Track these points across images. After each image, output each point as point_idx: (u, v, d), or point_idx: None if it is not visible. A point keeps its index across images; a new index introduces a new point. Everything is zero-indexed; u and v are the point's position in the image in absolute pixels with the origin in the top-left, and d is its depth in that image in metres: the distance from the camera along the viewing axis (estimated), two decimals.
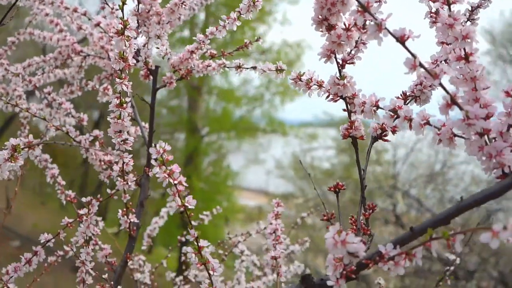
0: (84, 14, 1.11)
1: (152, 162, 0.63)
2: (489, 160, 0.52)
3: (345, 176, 9.00)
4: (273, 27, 11.30)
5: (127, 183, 0.90)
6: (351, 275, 0.55)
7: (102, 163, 1.03)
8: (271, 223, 0.99)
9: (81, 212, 0.91)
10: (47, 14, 1.21)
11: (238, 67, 0.97)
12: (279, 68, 0.85)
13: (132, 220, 0.98)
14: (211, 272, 0.66)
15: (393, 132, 0.69)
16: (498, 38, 9.19)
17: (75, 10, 1.10)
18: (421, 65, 0.51)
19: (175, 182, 0.64)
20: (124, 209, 0.97)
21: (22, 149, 0.66)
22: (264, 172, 12.17)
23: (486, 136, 0.53)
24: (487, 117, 0.54)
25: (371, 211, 0.64)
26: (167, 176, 0.63)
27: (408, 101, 0.69)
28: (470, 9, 0.73)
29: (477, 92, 0.54)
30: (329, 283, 0.56)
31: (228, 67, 0.99)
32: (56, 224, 1.01)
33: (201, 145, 11.36)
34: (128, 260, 1.00)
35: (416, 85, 0.69)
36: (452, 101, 0.52)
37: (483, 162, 0.52)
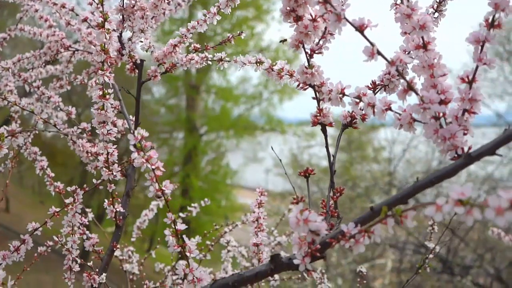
0: (72, 10, 1.13)
1: (131, 148, 0.66)
2: (443, 142, 0.55)
3: (343, 174, 9.04)
4: (271, 25, 11.33)
5: (112, 173, 0.93)
6: (316, 253, 0.58)
7: (89, 154, 1.06)
8: (254, 212, 1.02)
9: (67, 201, 0.94)
10: (36, 10, 1.24)
11: (220, 60, 1.00)
12: (258, 60, 0.88)
13: (118, 209, 1.01)
14: (187, 254, 0.69)
15: (363, 119, 0.71)
16: (495, 36, 9.21)
17: (63, 6, 1.13)
18: (379, 53, 0.54)
19: (153, 167, 0.67)
20: (110, 199, 1.00)
21: (6, 137, 0.69)
22: (263, 170, 12.20)
23: (443, 120, 0.56)
24: (445, 102, 0.57)
25: (339, 194, 0.67)
26: (145, 161, 0.66)
27: (377, 89, 0.72)
28: (438, 0, 0.76)
29: (434, 78, 0.57)
30: (295, 261, 0.59)
31: (210, 61, 1.02)
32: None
33: (200, 144, 11.40)
34: (115, 249, 1.03)
35: (385, 74, 0.72)
36: (408, 87, 0.55)
37: (438, 144, 0.55)
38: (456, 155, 0.54)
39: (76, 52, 1.26)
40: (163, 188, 0.67)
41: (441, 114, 0.55)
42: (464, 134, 0.55)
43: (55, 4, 1.15)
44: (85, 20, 1.06)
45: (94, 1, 1.02)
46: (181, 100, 12.18)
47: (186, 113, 11.57)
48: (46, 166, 1.15)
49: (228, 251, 1.35)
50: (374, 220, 0.53)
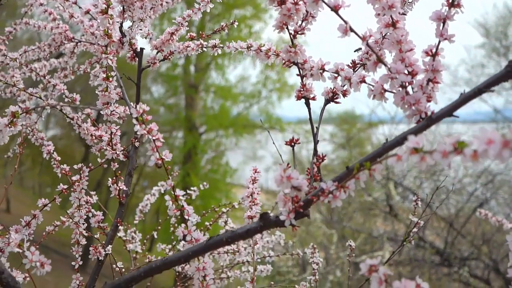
0: (75, 3, 1.21)
1: (133, 121, 0.73)
2: (409, 108, 0.62)
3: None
4: (270, 24, 11.42)
5: (116, 152, 1.00)
6: (299, 209, 0.65)
7: (94, 137, 1.13)
8: (248, 188, 1.09)
9: (74, 178, 1.01)
10: (41, 4, 1.31)
11: (214, 46, 1.07)
12: (249, 45, 0.95)
13: (121, 187, 1.08)
14: (186, 217, 0.76)
15: (344, 95, 0.79)
16: (492, 31, 9.30)
17: None
18: (351, 30, 0.62)
19: (154, 138, 0.74)
20: (114, 178, 1.08)
21: (20, 114, 0.76)
22: (262, 168, 12.25)
23: (410, 89, 0.64)
24: (412, 74, 0.64)
25: (321, 160, 0.75)
26: (146, 133, 0.73)
27: (357, 68, 0.79)
28: None
29: (403, 53, 0.65)
30: (281, 217, 0.66)
31: (205, 47, 1.09)
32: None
33: (199, 143, 11.47)
34: (119, 225, 1.10)
35: (363, 54, 0.79)
36: (378, 60, 0.62)
37: (405, 110, 0.62)
38: (420, 119, 0.61)
39: (79, 43, 1.33)
40: (163, 157, 0.75)
41: (407, 83, 0.62)
42: (428, 101, 0.62)
43: None
44: (87, 12, 1.13)
45: None
46: (180, 100, 12.25)
47: (185, 112, 11.64)
48: (52, 150, 1.22)
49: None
50: (349, 177, 0.61)
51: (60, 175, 1.19)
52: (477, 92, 0.57)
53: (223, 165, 11.98)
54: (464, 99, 0.57)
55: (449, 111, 0.58)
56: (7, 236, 0.74)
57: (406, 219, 6.15)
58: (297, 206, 0.65)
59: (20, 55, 1.29)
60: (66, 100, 1.24)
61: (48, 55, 1.34)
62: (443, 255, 6.08)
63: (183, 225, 0.77)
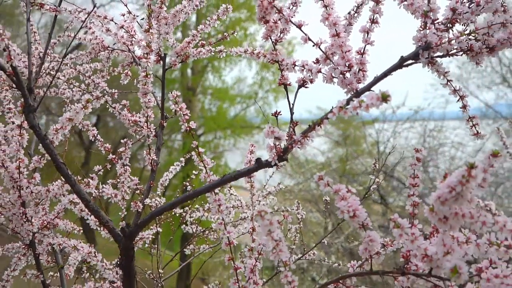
0: (112, 20, 1.58)
1: (170, 102, 1.10)
2: (346, 87, 0.99)
3: (339, 169, 9.51)
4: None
5: (150, 130, 1.38)
6: (280, 153, 1.02)
7: (130, 121, 1.50)
8: (247, 157, 1.46)
9: (120, 150, 1.38)
10: (82, 21, 1.68)
11: (221, 51, 1.45)
12: (246, 50, 1.32)
13: (153, 158, 1.45)
14: (206, 165, 1.14)
15: (311, 82, 1.16)
16: None
17: (105, 17, 1.57)
18: (309, 39, 0.99)
19: (184, 113, 1.11)
20: (147, 150, 1.45)
21: (92, 100, 1.13)
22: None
23: (348, 75, 1.01)
24: (349, 66, 1.02)
25: (296, 124, 1.12)
26: (178, 110, 1.11)
27: (319, 63, 1.17)
28: (357, 5, 1.20)
29: (343, 53, 1.02)
30: (269, 159, 1.03)
31: (214, 52, 1.47)
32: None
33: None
34: (151, 185, 1.47)
35: (321, 55, 1.16)
36: (326, 57, 1.00)
37: (344, 88, 1.00)
38: (352, 93, 0.99)
39: (113, 51, 1.70)
40: (190, 125, 1.12)
41: (345, 72, 1.00)
42: (358, 82, 1.00)
43: (99, 16, 1.59)
44: (122, 27, 1.51)
45: (131, 13, 1.47)
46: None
47: None
48: (96, 133, 1.60)
49: (231, 194, 1.79)
50: (310, 130, 0.98)
51: (104, 152, 1.56)
52: (383, 75, 0.94)
53: (222, 166, 12.32)
54: (376, 80, 0.95)
55: (367, 88, 0.96)
56: (85, 181, 1.11)
57: (396, 208, 6.54)
58: (278, 151, 1.02)
59: (69, 60, 1.67)
60: (106, 95, 1.61)
61: (90, 60, 1.71)
62: None
63: (204, 170, 1.14)
